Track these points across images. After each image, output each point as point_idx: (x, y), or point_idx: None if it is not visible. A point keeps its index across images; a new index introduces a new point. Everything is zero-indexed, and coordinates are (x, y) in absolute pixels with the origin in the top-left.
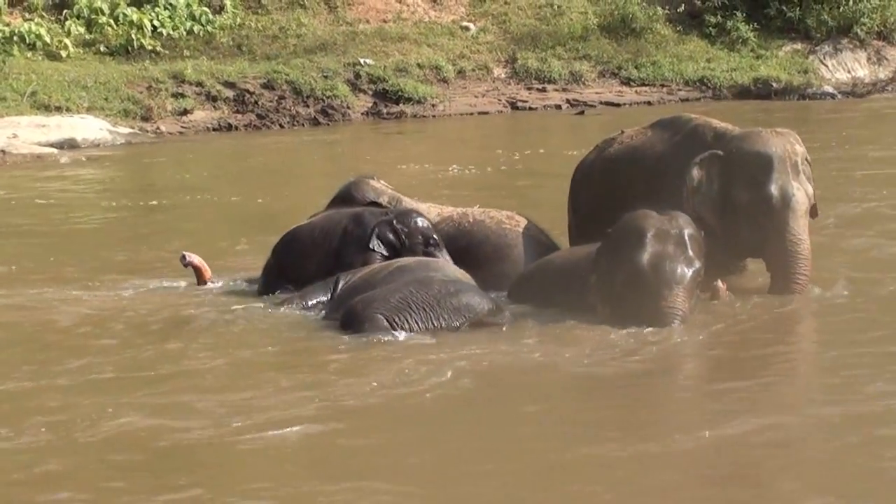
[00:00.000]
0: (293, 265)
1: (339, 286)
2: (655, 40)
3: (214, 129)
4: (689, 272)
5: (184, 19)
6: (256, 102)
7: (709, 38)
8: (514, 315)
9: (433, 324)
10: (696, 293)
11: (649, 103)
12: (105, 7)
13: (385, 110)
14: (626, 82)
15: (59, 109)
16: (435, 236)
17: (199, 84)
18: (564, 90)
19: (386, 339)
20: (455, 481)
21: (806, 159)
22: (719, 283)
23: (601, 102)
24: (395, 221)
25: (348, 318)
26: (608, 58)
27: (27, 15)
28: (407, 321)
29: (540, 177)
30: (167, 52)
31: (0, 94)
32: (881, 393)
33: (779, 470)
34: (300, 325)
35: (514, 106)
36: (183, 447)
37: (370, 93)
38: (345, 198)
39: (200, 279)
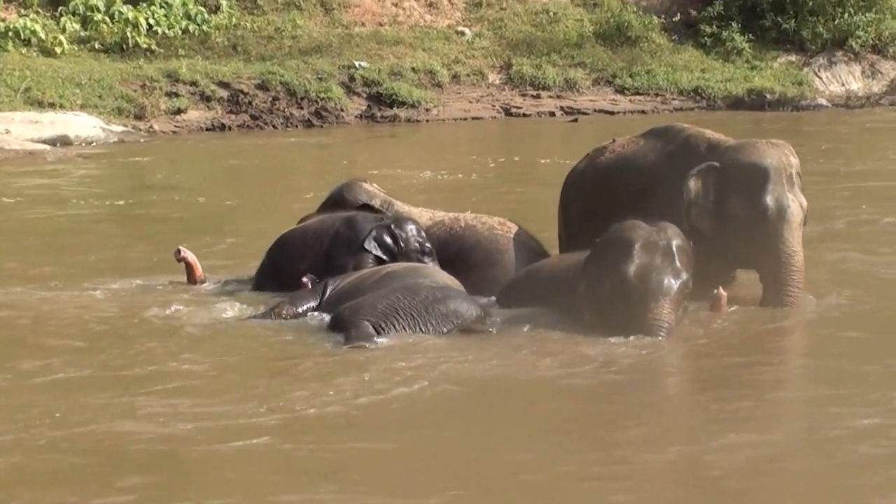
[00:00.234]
0: (286, 267)
1: (328, 291)
2: (650, 49)
3: (208, 129)
4: (676, 284)
5: (179, 18)
6: (250, 103)
7: (704, 48)
8: (503, 321)
9: (421, 330)
10: (683, 305)
11: (643, 112)
12: (101, 4)
13: (379, 113)
14: (621, 90)
15: (52, 106)
16: (428, 245)
17: (194, 83)
18: (559, 97)
19: (366, 345)
20: (417, 494)
21: (797, 171)
22: (721, 292)
23: (595, 110)
24: (393, 226)
25: (336, 324)
26: (603, 66)
27: (22, 11)
28: (394, 327)
29: (531, 183)
30: (162, 50)
31: None
32: (869, 408)
33: (759, 489)
34: (285, 331)
35: (507, 112)
36: (136, 451)
37: (364, 96)
38: (337, 200)
39: (191, 277)
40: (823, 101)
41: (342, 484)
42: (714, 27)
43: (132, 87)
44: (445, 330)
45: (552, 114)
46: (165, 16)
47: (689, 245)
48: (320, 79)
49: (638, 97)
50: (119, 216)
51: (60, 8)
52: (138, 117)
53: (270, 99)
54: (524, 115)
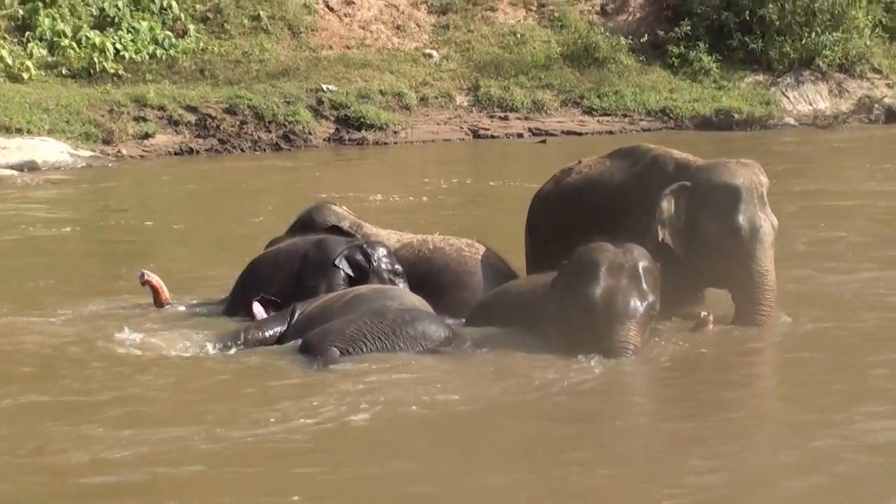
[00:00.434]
0: (258, 289)
1: (296, 315)
2: (618, 70)
3: (176, 154)
4: (642, 306)
5: (146, 43)
6: (218, 127)
7: (671, 69)
8: (471, 343)
9: (390, 353)
10: (650, 326)
11: (611, 133)
12: (68, 30)
13: (347, 136)
14: (589, 112)
15: (19, 131)
16: (398, 267)
17: (161, 108)
18: (527, 119)
19: (332, 370)
20: None
21: (766, 190)
22: (708, 315)
23: (563, 131)
24: (365, 246)
25: (304, 350)
26: (571, 87)
27: None
28: (362, 352)
29: (499, 205)
30: (129, 75)
31: None
32: (831, 429)
33: None
34: (249, 356)
35: (476, 134)
36: (82, 480)
37: (332, 119)
38: (306, 222)
39: (157, 300)
40: (791, 121)
41: None
42: (681, 48)
43: (100, 112)
44: (414, 352)
45: (520, 135)
46: (133, 41)
47: (656, 266)
48: (288, 102)
49: (606, 118)
50: (84, 240)
51: (27, 34)
52: (106, 142)
53: (238, 123)
54: (492, 136)
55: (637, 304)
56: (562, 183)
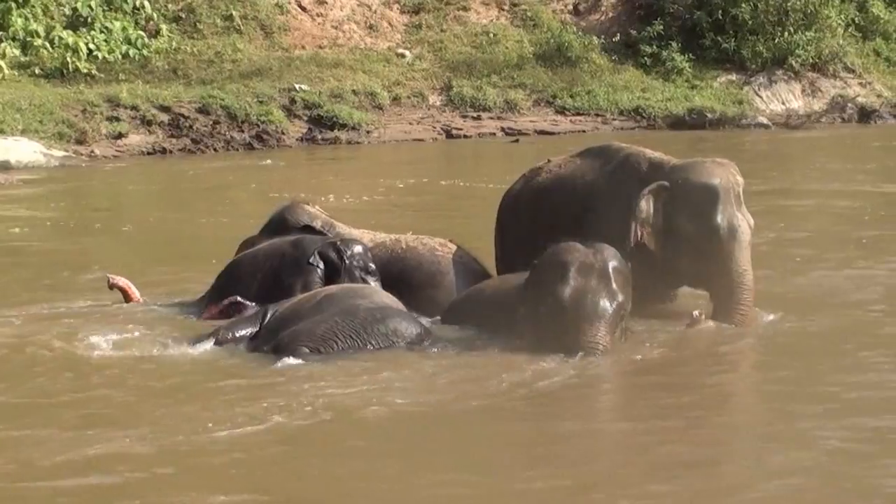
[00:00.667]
0: (236, 288)
1: (268, 317)
2: (591, 69)
3: (149, 153)
4: (611, 306)
5: (119, 43)
6: (191, 127)
7: (644, 68)
8: (442, 341)
9: (358, 352)
10: (620, 326)
11: (584, 132)
12: (41, 30)
13: (320, 136)
14: (561, 111)
15: None
16: (372, 265)
17: (134, 108)
18: (499, 118)
19: (298, 368)
20: None
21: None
22: (699, 313)
23: (536, 131)
24: (339, 243)
25: (275, 351)
26: (543, 86)
27: None
28: (332, 350)
29: (472, 204)
30: (102, 75)
31: None
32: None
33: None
34: (218, 357)
35: (448, 133)
36: (35, 484)
37: (305, 118)
38: (279, 222)
39: (127, 301)
40: (764, 120)
41: None
42: (654, 47)
43: (73, 112)
44: (386, 349)
45: (493, 135)
46: (105, 41)
47: (627, 266)
48: (261, 102)
49: (579, 117)
50: (54, 239)
51: (0, 34)
52: (79, 142)
53: (211, 122)
54: (465, 136)
55: (606, 305)
56: (532, 182)
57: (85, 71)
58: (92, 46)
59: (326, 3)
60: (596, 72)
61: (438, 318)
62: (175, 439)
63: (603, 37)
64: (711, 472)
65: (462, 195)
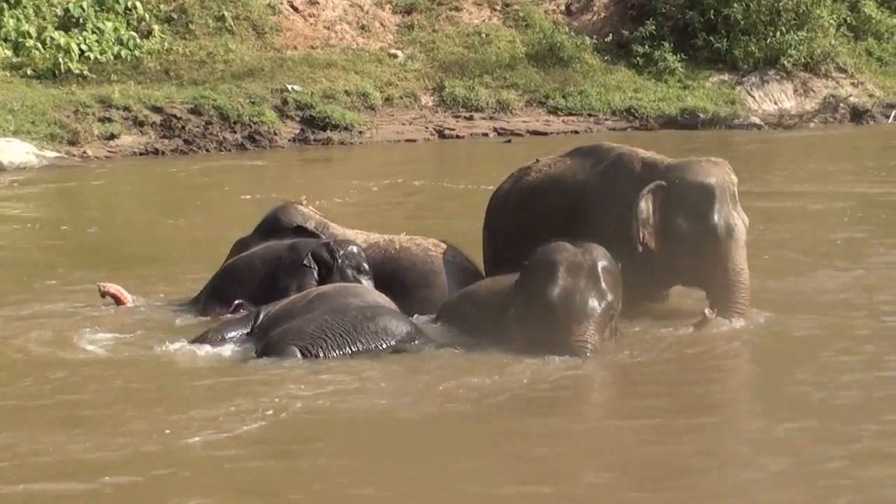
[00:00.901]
0: (233, 290)
1: (261, 317)
2: (583, 70)
3: (141, 154)
4: (600, 306)
5: (111, 44)
6: (183, 128)
7: (636, 69)
8: (434, 341)
9: (351, 350)
10: (609, 325)
11: (576, 132)
12: (32, 30)
13: (312, 137)
14: (554, 111)
15: None
16: (365, 265)
17: (127, 109)
18: (492, 118)
19: (285, 367)
20: None
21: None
22: (710, 312)
23: (528, 131)
24: (332, 244)
25: (266, 350)
26: (535, 87)
27: None
28: (321, 349)
29: (465, 204)
30: (94, 76)
31: None
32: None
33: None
34: (208, 358)
35: (441, 134)
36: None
37: (297, 119)
38: (272, 222)
39: (119, 306)
40: (756, 120)
41: None
42: (646, 47)
43: (65, 112)
44: (376, 348)
45: (485, 135)
46: (97, 41)
47: (616, 266)
48: (253, 103)
49: (571, 118)
50: (46, 240)
51: None
52: (71, 143)
53: (203, 123)
54: (457, 136)
55: (595, 304)
56: (521, 182)
57: (77, 72)
58: (84, 47)
59: (318, 3)
60: (588, 72)
61: (433, 317)
62: (159, 441)
63: (595, 37)
64: (701, 475)
65: (455, 195)
